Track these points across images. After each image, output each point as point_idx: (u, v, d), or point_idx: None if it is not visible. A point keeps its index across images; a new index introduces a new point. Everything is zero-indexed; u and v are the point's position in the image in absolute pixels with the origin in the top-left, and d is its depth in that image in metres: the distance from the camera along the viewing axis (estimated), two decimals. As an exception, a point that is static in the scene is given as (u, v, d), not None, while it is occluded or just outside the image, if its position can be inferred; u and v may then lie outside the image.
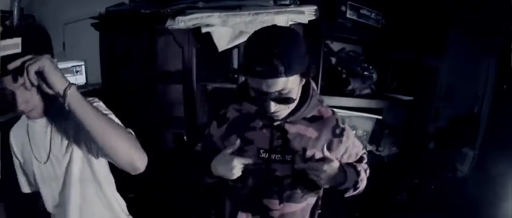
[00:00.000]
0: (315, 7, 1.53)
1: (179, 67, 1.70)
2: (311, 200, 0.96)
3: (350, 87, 1.72)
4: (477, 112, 1.79)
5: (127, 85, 1.85)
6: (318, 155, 0.87)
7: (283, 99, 0.77)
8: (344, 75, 1.75)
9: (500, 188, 1.62)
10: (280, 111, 0.81)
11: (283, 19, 1.50)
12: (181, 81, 1.70)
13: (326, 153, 0.85)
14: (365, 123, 1.86)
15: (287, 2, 1.53)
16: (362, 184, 0.95)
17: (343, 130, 0.91)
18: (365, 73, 1.79)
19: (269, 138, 0.87)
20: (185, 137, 1.76)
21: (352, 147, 0.96)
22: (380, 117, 1.86)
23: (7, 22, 2.37)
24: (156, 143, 1.85)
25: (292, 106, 0.84)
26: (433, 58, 1.79)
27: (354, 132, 1.85)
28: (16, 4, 2.33)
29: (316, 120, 0.89)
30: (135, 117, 1.87)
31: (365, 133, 1.89)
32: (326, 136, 0.89)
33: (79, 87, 2.12)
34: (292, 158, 0.87)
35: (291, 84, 0.75)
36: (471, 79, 1.81)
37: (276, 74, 0.71)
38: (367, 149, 1.94)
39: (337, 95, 1.70)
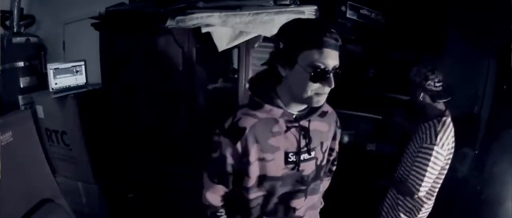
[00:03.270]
0: (315, 7, 1.53)
1: (179, 67, 1.70)
2: (323, 186, 1.07)
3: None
4: (477, 112, 1.79)
5: (127, 85, 1.85)
6: (329, 146, 0.99)
7: (336, 75, 0.77)
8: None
9: (500, 188, 1.62)
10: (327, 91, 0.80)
11: (283, 19, 1.50)
12: (181, 81, 1.70)
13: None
14: (365, 123, 1.86)
15: (287, 2, 1.54)
16: None
17: (338, 120, 1.00)
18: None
19: (297, 139, 0.85)
20: (185, 137, 1.76)
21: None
22: (380, 117, 1.86)
23: (7, 22, 2.38)
24: (156, 143, 1.85)
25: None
26: (433, 58, 1.79)
27: (353, 131, 1.86)
28: (16, 4, 2.33)
29: (325, 115, 0.94)
30: (135, 117, 1.87)
31: (365, 133, 1.89)
32: (333, 128, 0.98)
33: (79, 87, 2.14)
34: (315, 154, 0.90)
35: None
36: (471, 79, 1.81)
37: (336, 46, 0.75)
38: (367, 149, 1.94)
39: (337, 95, 1.70)
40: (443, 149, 1.27)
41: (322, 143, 0.93)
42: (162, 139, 1.83)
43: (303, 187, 0.90)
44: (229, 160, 0.84)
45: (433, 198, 1.42)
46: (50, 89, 1.93)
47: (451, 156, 1.35)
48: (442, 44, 1.82)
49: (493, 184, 1.67)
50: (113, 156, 1.97)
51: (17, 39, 2.31)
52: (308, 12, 1.53)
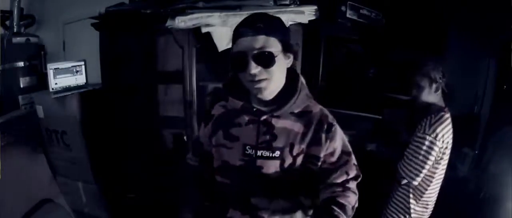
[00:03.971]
0: (315, 7, 1.53)
1: (179, 67, 1.70)
2: (301, 197, 0.91)
3: None
4: (477, 112, 1.79)
5: (127, 85, 1.85)
6: (307, 151, 0.85)
7: (262, 57, 0.76)
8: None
9: (500, 188, 1.62)
10: (261, 77, 0.78)
11: (283, 19, 1.50)
12: (181, 81, 1.71)
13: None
14: (365, 123, 1.86)
15: (287, 2, 1.54)
16: None
17: (332, 126, 0.86)
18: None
19: (256, 133, 0.85)
20: (185, 137, 1.76)
21: (340, 152, 0.88)
22: (380, 117, 1.86)
23: (7, 22, 2.38)
24: (156, 143, 1.85)
25: (275, 86, 0.82)
26: (433, 58, 1.79)
27: (353, 131, 1.85)
28: (16, 4, 2.34)
29: (304, 115, 0.87)
30: (135, 117, 1.87)
31: (365, 133, 1.89)
32: (314, 132, 0.85)
33: (79, 87, 2.13)
34: (280, 155, 0.84)
35: (272, 47, 0.77)
36: (471, 79, 1.81)
37: (257, 31, 0.76)
38: (368, 149, 1.94)
39: (337, 95, 1.70)
40: (437, 139, 1.28)
41: (292, 145, 0.84)
42: (162, 139, 1.83)
43: (263, 186, 0.87)
44: (202, 139, 0.98)
45: (432, 202, 1.42)
46: (50, 89, 1.93)
47: (448, 151, 1.35)
48: (442, 44, 1.82)
49: (493, 184, 1.67)
50: (113, 156, 1.97)
51: (17, 39, 2.31)
52: (308, 12, 1.53)
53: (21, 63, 2.31)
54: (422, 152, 1.30)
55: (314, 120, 0.86)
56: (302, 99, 0.86)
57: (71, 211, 1.76)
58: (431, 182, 1.38)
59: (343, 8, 1.64)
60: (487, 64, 1.76)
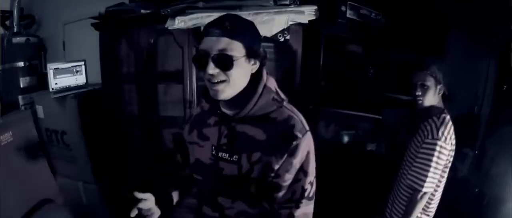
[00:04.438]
0: (315, 7, 1.53)
1: (179, 67, 1.70)
2: (264, 203, 0.85)
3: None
4: (477, 112, 1.79)
5: (127, 85, 1.85)
6: (265, 160, 0.80)
7: (221, 60, 0.76)
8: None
9: (500, 188, 1.62)
10: (219, 79, 0.77)
11: (283, 19, 1.50)
12: (181, 81, 1.71)
13: None
14: (365, 123, 1.86)
15: (287, 2, 1.54)
16: None
17: (295, 138, 0.78)
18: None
19: (217, 135, 0.88)
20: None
21: (297, 170, 0.80)
22: (380, 117, 1.86)
23: (7, 22, 2.38)
24: (156, 142, 1.85)
25: (233, 89, 0.80)
26: (433, 58, 1.79)
27: (353, 131, 1.85)
28: (16, 4, 2.33)
29: (268, 122, 0.82)
30: (135, 117, 1.87)
31: (365, 133, 1.89)
32: (275, 141, 0.79)
33: (79, 87, 2.13)
34: (238, 159, 0.83)
35: (234, 50, 0.76)
36: (471, 79, 1.81)
37: (222, 33, 0.76)
38: (368, 149, 1.94)
39: (337, 95, 1.70)
40: (446, 143, 1.27)
41: (250, 151, 0.81)
42: (162, 138, 1.83)
43: (226, 187, 0.87)
44: (184, 135, 1.01)
45: (434, 209, 1.41)
46: (50, 89, 1.93)
47: (453, 153, 1.34)
48: (442, 44, 1.82)
49: (493, 184, 1.67)
50: (113, 156, 1.97)
51: (17, 39, 2.31)
52: (308, 12, 1.53)
53: (21, 63, 2.31)
54: (434, 158, 1.27)
55: (278, 128, 0.80)
56: (263, 103, 0.82)
57: (71, 211, 1.76)
58: (439, 186, 1.36)
59: (343, 8, 1.64)
60: (487, 64, 1.76)
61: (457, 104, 1.76)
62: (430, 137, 1.29)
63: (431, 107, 1.36)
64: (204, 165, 0.90)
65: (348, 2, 1.64)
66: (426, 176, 1.28)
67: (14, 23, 2.37)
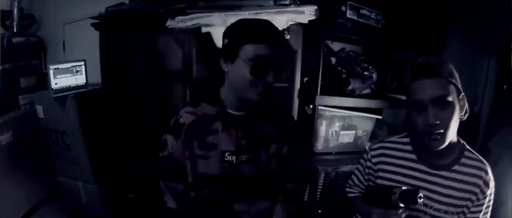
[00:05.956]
0: (315, 7, 1.53)
1: (179, 67, 1.70)
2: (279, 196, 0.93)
3: (350, 87, 1.72)
4: (477, 112, 1.79)
5: (127, 85, 1.85)
6: (275, 149, 0.89)
7: (277, 72, 0.80)
8: (344, 75, 1.75)
9: (500, 188, 1.62)
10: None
11: (283, 19, 1.50)
12: (181, 81, 1.70)
13: None
14: (365, 123, 1.86)
15: (287, 2, 1.54)
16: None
17: (293, 119, 0.98)
18: (365, 73, 1.79)
19: (235, 139, 0.84)
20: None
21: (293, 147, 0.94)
22: (380, 117, 1.86)
23: (7, 22, 2.38)
24: (156, 143, 1.84)
25: None
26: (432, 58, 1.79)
27: (354, 131, 1.85)
28: (16, 4, 2.34)
29: (273, 115, 0.91)
30: (135, 117, 1.87)
31: (365, 133, 1.89)
32: (283, 130, 0.91)
33: (79, 87, 2.13)
34: (259, 156, 0.86)
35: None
36: (471, 79, 1.81)
37: (279, 44, 0.80)
38: (368, 149, 1.94)
39: (337, 95, 1.70)
40: None
41: (268, 146, 0.87)
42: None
43: (245, 191, 0.87)
44: (175, 154, 0.88)
45: None
46: (50, 89, 1.93)
47: None
48: (442, 44, 1.82)
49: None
50: (113, 156, 1.97)
51: (17, 39, 2.31)
52: (308, 12, 1.53)
53: (21, 63, 2.31)
54: None
55: (281, 119, 0.93)
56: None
57: (71, 211, 1.76)
58: None
59: (343, 8, 1.64)
60: (487, 64, 1.76)
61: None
62: None
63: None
64: (212, 176, 0.85)
65: (348, 2, 1.64)
66: None
67: (14, 23, 2.37)
